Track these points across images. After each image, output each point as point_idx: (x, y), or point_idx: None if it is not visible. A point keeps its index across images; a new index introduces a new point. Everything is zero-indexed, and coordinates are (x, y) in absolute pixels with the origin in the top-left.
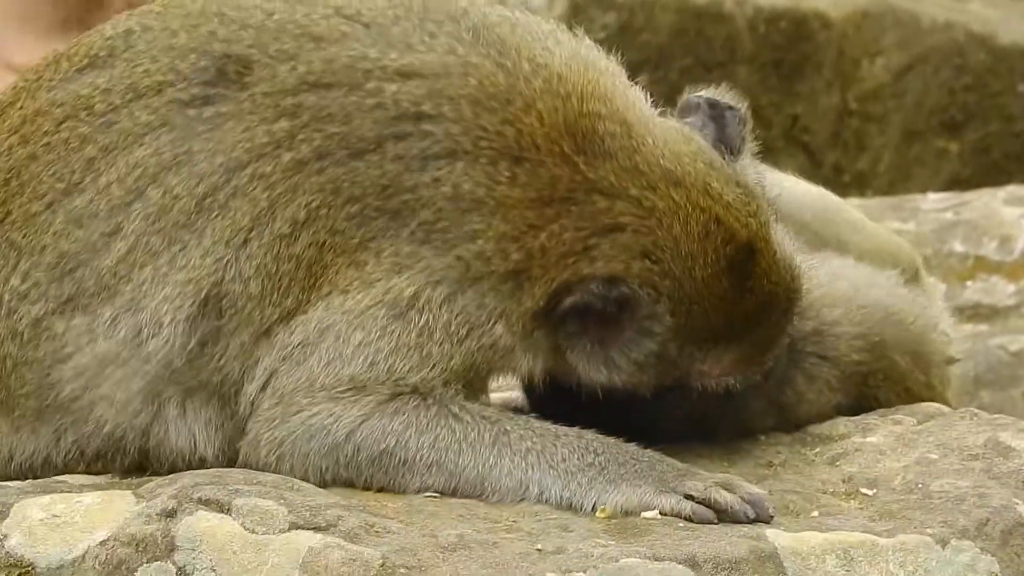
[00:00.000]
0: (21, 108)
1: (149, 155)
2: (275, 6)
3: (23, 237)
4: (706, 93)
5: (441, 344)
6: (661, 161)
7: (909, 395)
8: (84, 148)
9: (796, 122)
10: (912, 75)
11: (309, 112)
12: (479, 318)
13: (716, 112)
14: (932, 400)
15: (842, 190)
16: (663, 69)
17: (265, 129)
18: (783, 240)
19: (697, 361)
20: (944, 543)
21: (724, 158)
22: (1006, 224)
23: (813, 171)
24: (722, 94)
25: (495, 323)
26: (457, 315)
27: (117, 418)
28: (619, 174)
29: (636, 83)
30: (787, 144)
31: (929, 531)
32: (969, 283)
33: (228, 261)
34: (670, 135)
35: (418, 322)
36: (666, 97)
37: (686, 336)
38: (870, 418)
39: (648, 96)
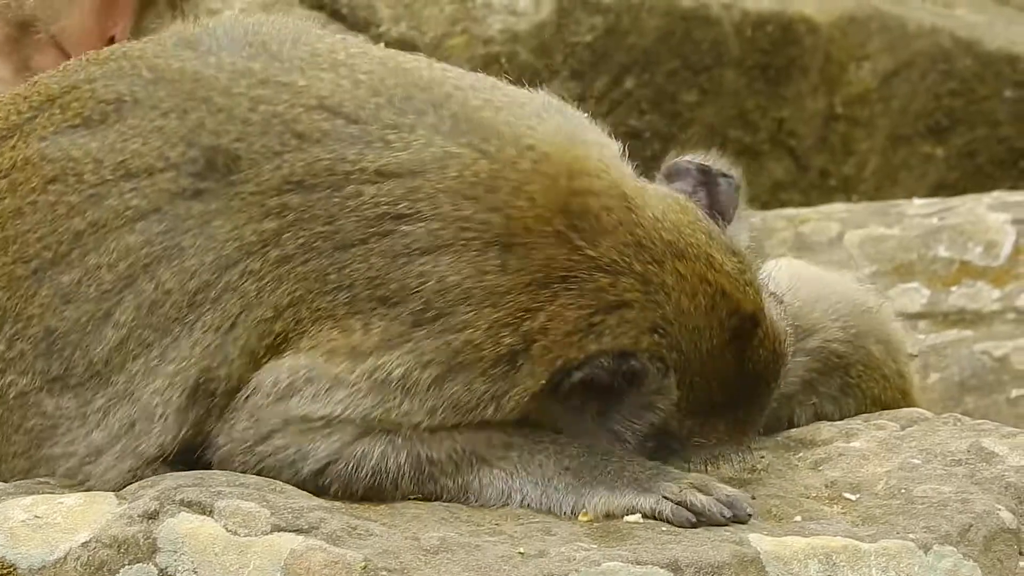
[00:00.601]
0: (13, 148)
1: (140, 244)
2: (260, 94)
3: (7, 299)
4: (696, 159)
5: (422, 419)
6: (663, 234)
7: (886, 382)
8: (72, 219)
9: (782, 126)
10: (898, 80)
11: (294, 213)
12: (467, 404)
13: (708, 178)
14: (905, 390)
15: (828, 195)
16: (650, 72)
17: (253, 228)
18: (771, 303)
19: (695, 433)
20: (927, 548)
21: (718, 225)
22: (991, 230)
23: (799, 175)
24: (714, 160)
25: (484, 408)
26: (444, 400)
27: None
28: (621, 250)
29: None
30: (773, 148)
31: (912, 536)
32: (954, 288)
33: (216, 346)
34: (667, 205)
35: (400, 402)
36: (653, 101)
37: (687, 409)
38: (853, 423)
39: (625, 151)
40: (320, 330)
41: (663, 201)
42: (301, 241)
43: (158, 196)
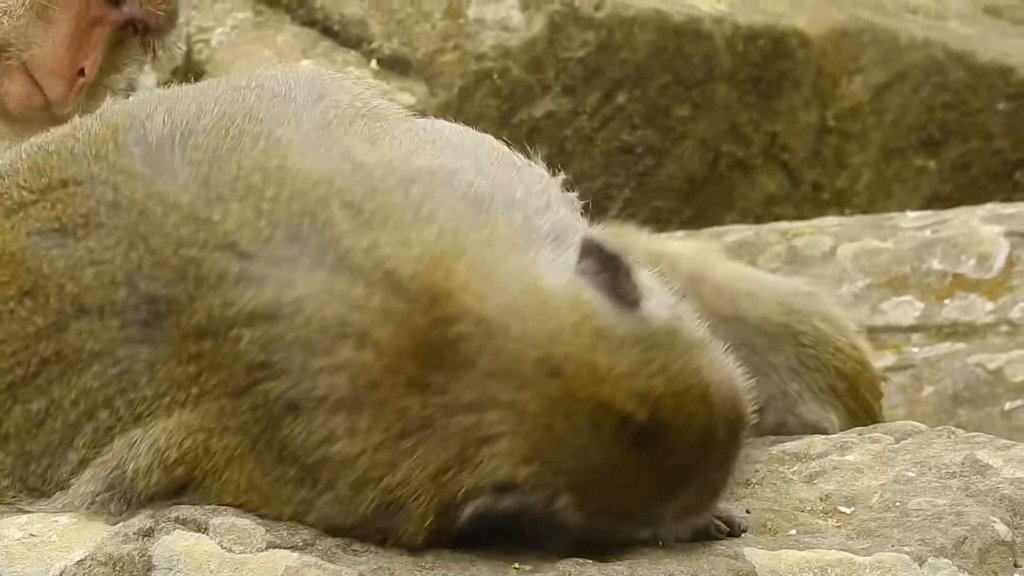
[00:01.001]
0: (12, 230)
1: (97, 386)
2: (182, 235)
3: None
4: (599, 235)
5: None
6: (534, 351)
7: (842, 354)
8: (39, 342)
9: (775, 140)
10: (891, 93)
11: (207, 358)
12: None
13: (605, 258)
14: (863, 360)
15: (821, 208)
16: (642, 87)
17: (182, 370)
18: (717, 364)
19: (641, 528)
20: (921, 561)
21: (622, 309)
22: (985, 242)
23: (792, 189)
24: (605, 239)
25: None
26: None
27: None
28: (482, 384)
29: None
30: (766, 162)
31: (907, 549)
32: (947, 301)
33: (133, 443)
34: (548, 310)
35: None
36: (645, 116)
37: (611, 514)
38: (848, 436)
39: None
40: (235, 478)
41: (544, 305)
42: (213, 383)
43: (110, 340)
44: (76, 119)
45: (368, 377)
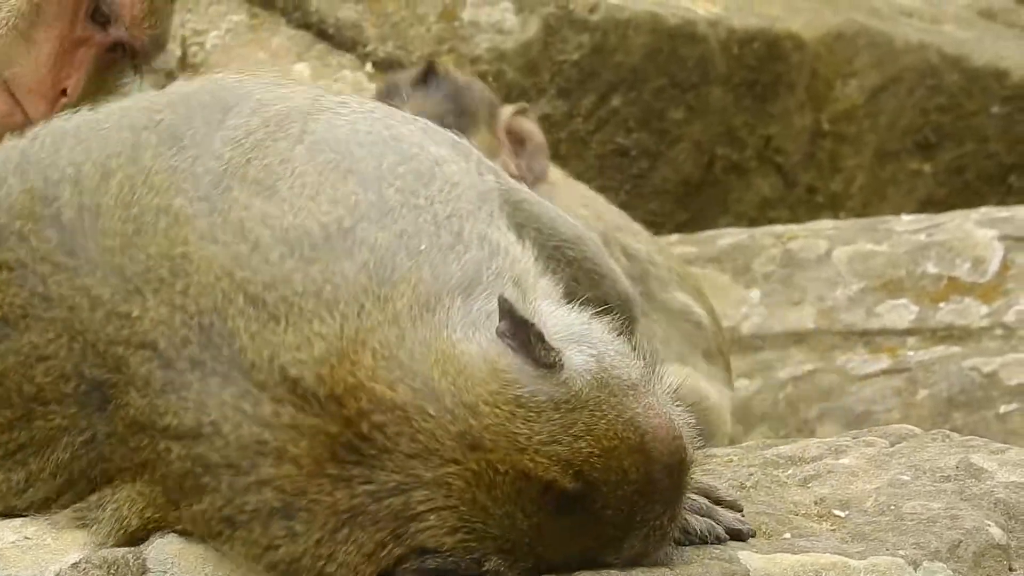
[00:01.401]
0: None
1: (68, 459)
2: (108, 333)
3: None
4: (512, 296)
5: None
6: (453, 426)
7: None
8: (12, 432)
9: (769, 143)
10: (886, 96)
11: (147, 451)
12: None
13: (517, 322)
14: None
15: (816, 211)
16: (637, 90)
17: (132, 457)
18: (653, 409)
19: (595, 562)
20: (916, 565)
21: (540, 374)
22: (979, 245)
23: (787, 192)
24: (517, 301)
25: None
26: None
27: None
28: (406, 465)
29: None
30: (760, 165)
31: (901, 553)
32: (942, 304)
33: (94, 504)
34: (467, 376)
35: None
36: (640, 119)
37: (548, 567)
38: (842, 440)
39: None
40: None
41: (460, 378)
42: (159, 474)
43: (74, 418)
44: (2, 156)
45: (293, 486)
